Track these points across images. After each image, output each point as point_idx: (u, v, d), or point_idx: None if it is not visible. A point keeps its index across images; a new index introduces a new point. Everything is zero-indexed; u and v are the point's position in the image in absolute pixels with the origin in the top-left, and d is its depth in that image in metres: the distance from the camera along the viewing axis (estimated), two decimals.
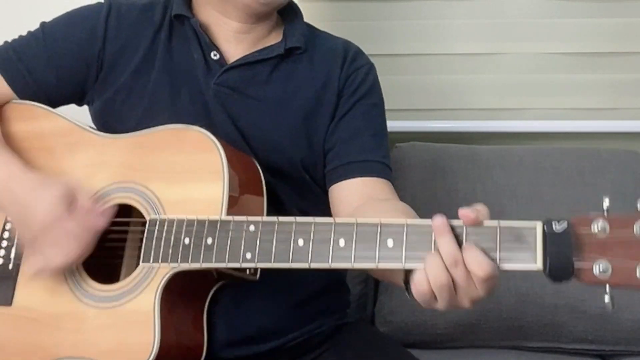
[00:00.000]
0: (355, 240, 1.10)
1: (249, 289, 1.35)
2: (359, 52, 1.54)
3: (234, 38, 1.46)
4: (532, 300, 1.90)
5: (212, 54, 1.43)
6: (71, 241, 1.24)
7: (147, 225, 1.26)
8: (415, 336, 1.92)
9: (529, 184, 2.01)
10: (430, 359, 1.83)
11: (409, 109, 2.18)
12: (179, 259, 1.21)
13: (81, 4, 1.51)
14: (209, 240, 1.19)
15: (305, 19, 1.54)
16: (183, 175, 1.28)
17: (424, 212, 1.22)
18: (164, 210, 1.26)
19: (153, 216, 1.26)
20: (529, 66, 2.19)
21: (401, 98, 2.11)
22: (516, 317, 1.91)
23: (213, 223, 1.20)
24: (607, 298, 0.97)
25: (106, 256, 1.34)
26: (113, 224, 1.32)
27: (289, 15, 1.51)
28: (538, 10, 2.17)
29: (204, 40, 1.43)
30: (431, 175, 2.03)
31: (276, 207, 1.36)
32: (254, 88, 1.44)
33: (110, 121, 1.44)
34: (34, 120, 1.43)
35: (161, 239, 1.23)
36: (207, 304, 1.33)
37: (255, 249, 1.16)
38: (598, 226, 0.98)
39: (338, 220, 1.13)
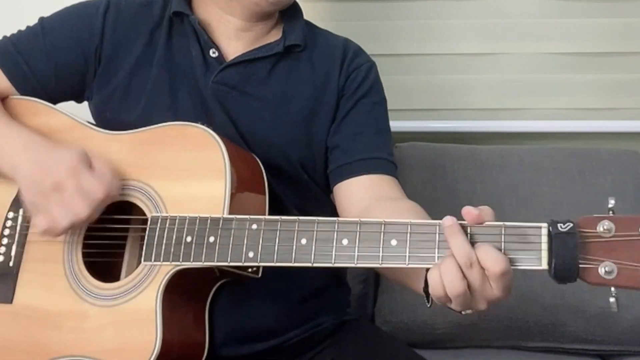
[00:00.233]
0: (358, 240, 1.10)
1: (250, 288, 1.35)
2: (359, 51, 1.54)
3: (234, 35, 1.46)
4: (532, 300, 1.90)
5: (210, 52, 1.43)
6: (81, 201, 1.23)
7: (148, 223, 1.25)
8: (415, 336, 1.92)
9: (529, 184, 2.01)
10: (430, 359, 1.83)
11: (409, 109, 2.18)
12: (181, 258, 1.21)
13: (80, 0, 1.51)
14: (211, 239, 1.19)
15: (306, 19, 1.54)
16: (185, 172, 1.27)
17: None
18: (165, 208, 1.26)
19: (155, 214, 1.26)
20: (529, 66, 2.18)
21: (401, 98, 2.10)
22: (516, 317, 1.91)
23: (215, 221, 1.20)
24: (612, 299, 0.97)
25: (106, 254, 1.34)
26: (114, 221, 1.32)
27: (289, 12, 1.51)
28: (538, 10, 2.16)
29: (202, 38, 1.43)
30: (431, 175, 2.03)
31: (274, 206, 1.35)
32: (253, 86, 1.44)
33: (109, 117, 1.43)
34: (34, 116, 1.42)
35: (163, 237, 1.23)
36: (208, 301, 1.33)
37: (258, 248, 1.15)
38: (604, 227, 0.98)
39: (341, 219, 1.13)
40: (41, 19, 1.49)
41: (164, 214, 1.25)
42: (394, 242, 1.08)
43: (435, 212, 1.27)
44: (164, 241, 1.22)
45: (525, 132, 2.22)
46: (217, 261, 1.18)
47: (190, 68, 1.43)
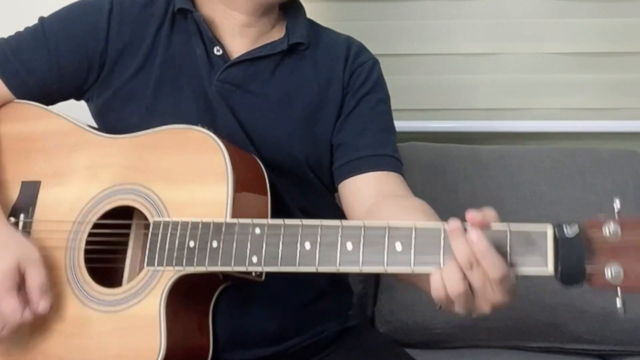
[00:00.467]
0: (363, 244, 1.09)
1: (252, 293, 1.34)
2: (362, 48, 1.53)
3: (238, 32, 1.45)
4: (532, 300, 1.89)
5: (215, 50, 1.42)
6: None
7: (151, 228, 1.24)
8: (415, 336, 1.92)
9: (529, 184, 2.01)
10: (430, 359, 1.83)
11: (410, 109, 2.18)
12: (184, 263, 1.20)
13: None
14: (214, 244, 1.18)
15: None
16: (186, 176, 1.26)
17: None
18: (167, 213, 1.25)
19: (157, 219, 1.25)
20: (529, 66, 2.19)
21: (401, 98, 2.08)
22: (516, 317, 1.90)
23: (218, 226, 1.19)
24: (619, 302, 0.97)
25: (108, 259, 1.33)
26: (115, 226, 1.31)
27: (291, 10, 1.50)
28: (538, 10, 2.17)
29: (206, 35, 1.42)
30: (431, 175, 2.02)
31: (278, 206, 1.34)
32: (257, 85, 1.43)
33: (111, 119, 1.42)
34: (33, 120, 1.41)
35: (165, 242, 1.22)
36: (212, 305, 1.32)
37: (262, 253, 1.15)
38: (610, 230, 0.97)
39: (345, 223, 1.12)
40: (41, 19, 1.46)
41: (166, 219, 1.24)
42: (398, 247, 1.07)
43: (435, 212, 1.28)
44: (167, 246, 1.21)
45: (525, 132, 2.22)
46: (221, 266, 1.18)
47: (194, 67, 1.41)
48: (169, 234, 1.22)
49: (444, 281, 1.03)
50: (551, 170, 2.03)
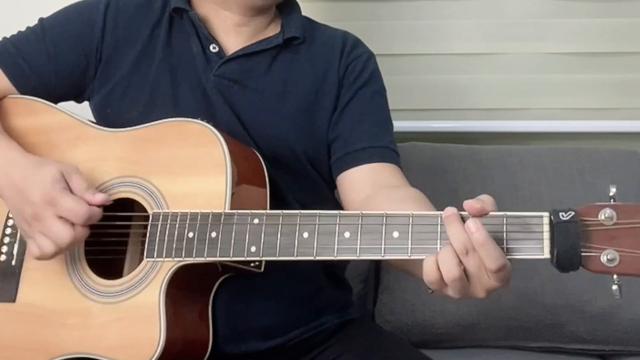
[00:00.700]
0: (360, 232, 1.10)
1: (252, 286, 1.34)
2: (357, 42, 1.55)
3: (233, 30, 1.47)
4: (532, 300, 1.90)
5: (211, 47, 1.44)
6: (62, 229, 1.22)
7: (150, 220, 1.25)
8: (415, 336, 1.92)
9: (529, 184, 2.01)
10: None
11: (409, 109, 2.18)
12: (183, 254, 1.21)
13: None
14: (213, 234, 1.19)
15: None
16: (186, 169, 1.27)
17: None
18: (167, 205, 1.26)
19: (156, 210, 1.26)
20: (529, 66, 2.19)
21: (401, 98, 2.09)
22: (516, 317, 1.91)
23: (217, 216, 1.20)
24: (614, 287, 0.97)
25: (108, 251, 1.34)
26: (115, 218, 1.32)
27: (286, 8, 1.52)
28: (538, 10, 2.17)
29: (202, 33, 1.44)
30: (431, 175, 2.02)
31: (277, 200, 1.35)
32: (254, 79, 1.44)
33: (110, 115, 1.44)
34: (34, 115, 1.43)
35: (165, 233, 1.23)
36: (212, 297, 1.32)
37: (260, 242, 1.15)
38: (605, 215, 0.98)
39: (343, 212, 1.13)
40: (41, 20, 1.49)
41: (166, 211, 1.25)
42: (395, 234, 1.08)
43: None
44: (166, 237, 1.22)
45: (525, 132, 2.22)
46: (220, 256, 1.19)
47: (191, 63, 1.43)
48: (168, 226, 1.23)
49: (438, 265, 1.03)
50: (551, 170, 2.03)
